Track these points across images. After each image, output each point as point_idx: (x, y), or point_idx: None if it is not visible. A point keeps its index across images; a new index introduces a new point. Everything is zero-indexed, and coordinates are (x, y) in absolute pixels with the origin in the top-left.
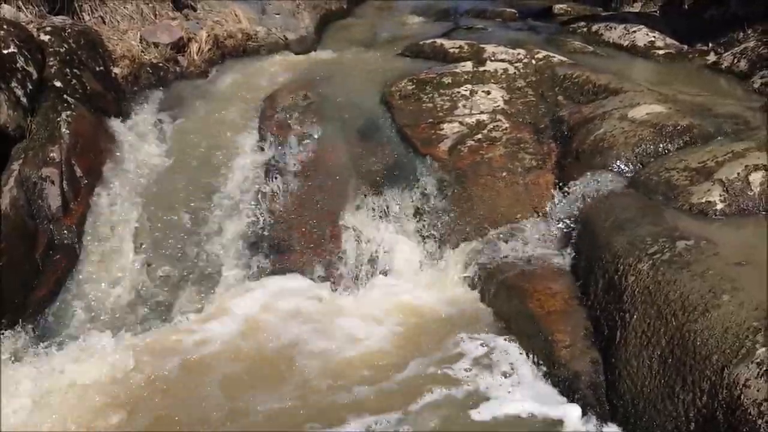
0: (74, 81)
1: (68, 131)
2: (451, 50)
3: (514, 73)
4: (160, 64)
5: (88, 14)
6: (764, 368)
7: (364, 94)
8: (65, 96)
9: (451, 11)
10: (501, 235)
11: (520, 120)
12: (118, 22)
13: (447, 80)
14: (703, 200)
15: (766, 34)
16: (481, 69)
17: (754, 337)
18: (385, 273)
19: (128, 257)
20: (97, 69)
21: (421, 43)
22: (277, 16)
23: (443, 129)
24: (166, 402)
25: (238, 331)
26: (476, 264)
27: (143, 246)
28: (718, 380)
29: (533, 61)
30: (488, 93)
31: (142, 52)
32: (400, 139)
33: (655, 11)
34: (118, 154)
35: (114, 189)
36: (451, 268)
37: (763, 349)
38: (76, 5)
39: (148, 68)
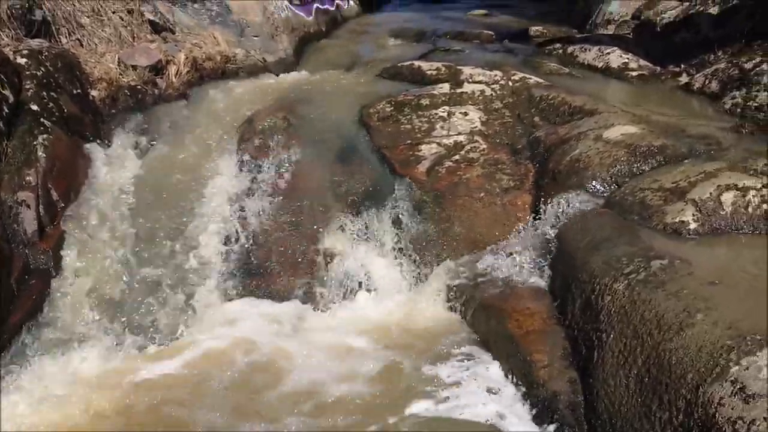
0: (51, 104)
1: (45, 155)
2: (429, 72)
3: (491, 94)
4: (139, 87)
5: (66, 37)
6: (738, 387)
7: (343, 115)
8: (42, 119)
9: (428, 33)
10: (479, 256)
11: (498, 141)
12: (96, 44)
13: (425, 102)
14: (677, 220)
15: (736, 56)
16: (459, 91)
17: (728, 355)
18: (364, 294)
19: (104, 281)
20: (75, 92)
21: (399, 65)
22: (255, 38)
23: (421, 150)
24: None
25: (210, 359)
26: (455, 284)
27: (119, 270)
28: (693, 399)
29: (510, 83)
30: (466, 114)
31: (120, 74)
32: (379, 160)
33: (629, 33)
34: (95, 177)
35: (91, 212)
36: (430, 289)
37: (737, 367)
38: (54, 28)
39: (126, 91)
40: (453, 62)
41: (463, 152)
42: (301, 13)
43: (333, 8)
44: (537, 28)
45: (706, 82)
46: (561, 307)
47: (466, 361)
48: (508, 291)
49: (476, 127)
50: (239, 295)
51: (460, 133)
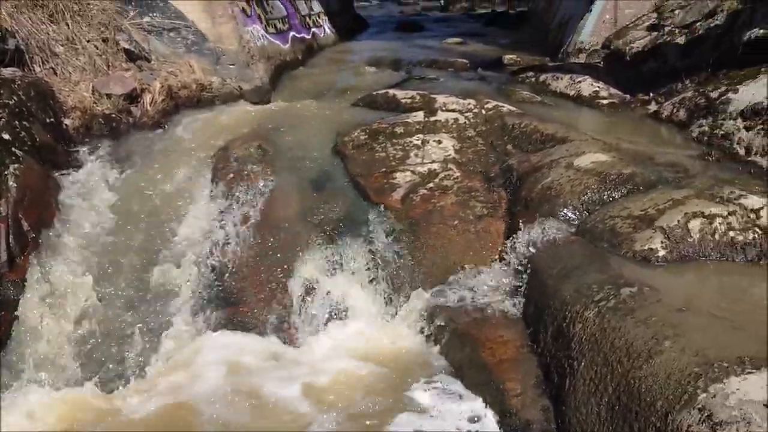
0: (23, 133)
1: (15, 184)
2: (404, 100)
3: (465, 122)
4: (113, 115)
5: (39, 66)
6: (706, 414)
7: (318, 144)
8: (13, 149)
9: (404, 61)
10: (453, 283)
11: (471, 169)
12: (70, 73)
13: (399, 130)
14: (646, 247)
15: (702, 85)
16: (433, 119)
17: (696, 383)
18: (338, 323)
19: (74, 313)
20: (48, 120)
21: (374, 93)
22: (231, 66)
23: (396, 178)
24: None
25: (179, 395)
26: (429, 312)
27: (90, 301)
28: (663, 427)
29: (483, 111)
30: (440, 142)
31: (95, 103)
32: (354, 188)
33: (599, 62)
34: (67, 206)
35: (62, 242)
36: (404, 317)
37: (705, 395)
38: (27, 57)
39: (100, 119)
40: (427, 90)
41: (437, 180)
42: (277, 42)
43: (309, 36)
44: (510, 56)
45: (674, 110)
46: (534, 335)
47: (440, 389)
48: (482, 319)
49: (450, 155)
50: (212, 327)
51: (434, 161)
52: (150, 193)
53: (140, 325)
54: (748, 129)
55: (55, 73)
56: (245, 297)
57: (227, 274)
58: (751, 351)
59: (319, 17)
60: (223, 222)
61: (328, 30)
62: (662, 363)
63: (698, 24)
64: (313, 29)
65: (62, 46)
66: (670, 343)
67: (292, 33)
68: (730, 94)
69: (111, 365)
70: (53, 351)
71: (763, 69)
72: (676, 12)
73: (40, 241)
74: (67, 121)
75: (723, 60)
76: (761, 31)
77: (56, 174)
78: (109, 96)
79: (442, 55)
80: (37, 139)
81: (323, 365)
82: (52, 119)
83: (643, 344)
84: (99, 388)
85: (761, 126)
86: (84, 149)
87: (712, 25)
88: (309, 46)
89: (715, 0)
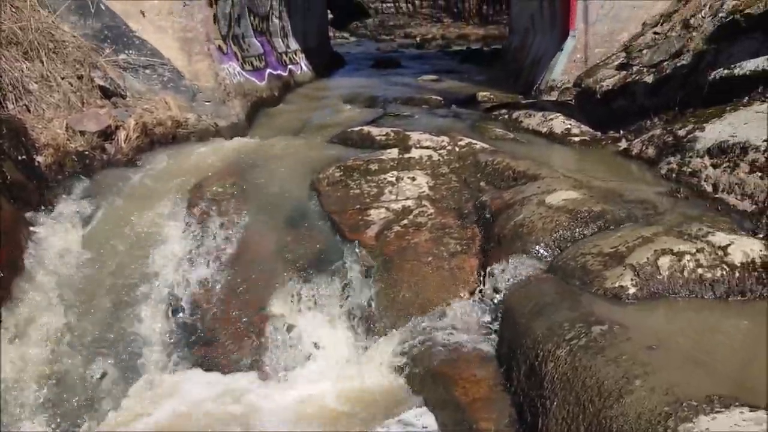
0: None
1: None
2: (378, 137)
3: (439, 159)
4: (86, 153)
5: (12, 103)
6: None
7: (293, 181)
8: None
9: (379, 98)
10: (427, 321)
11: (445, 205)
12: (44, 110)
13: (374, 167)
14: (616, 285)
15: (670, 123)
16: (407, 156)
17: (666, 422)
18: (311, 362)
19: (45, 354)
20: (20, 158)
21: (349, 130)
22: (207, 103)
23: (370, 215)
24: None
25: None
26: (403, 350)
27: (61, 342)
28: None
29: (456, 148)
30: (414, 179)
31: (68, 140)
32: (328, 225)
33: (571, 100)
34: (38, 245)
35: (33, 282)
36: (378, 355)
37: None
38: (0, 94)
39: (74, 156)
40: (402, 127)
41: (411, 217)
42: (254, 79)
43: (286, 74)
44: (484, 93)
45: (643, 147)
46: (507, 374)
47: (413, 428)
48: (455, 357)
49: (424, 191)
50: (184, 367)
51: (408, 198)
52: (122, 231)
53: (110, 366)
54: (714, 167)
55: (29, 111)
56: (217, 336)
57: (199, 313)
58: (720, 389)
59: (296, 54)
60: (196, 260)
61: (305, 67)
62: (633, 402)
63: (665, 63)
64: (289, 66)
65: (36, 83)
66: (640, 382)
67: (268, 70)
68: (697, 133)
69: (79, 407)
70: (21, 393)
71: (728, 108)
72: (644, 52)
73: (11, 280)
74: (39, 159)
75: (690, 99)
76: (725, 71)
77: (27, 212)
78: (83, 133)
79: (418, 92)
80: (9, 177)
81: (295, 403)
82: (24, 157)
83: (613, 383)
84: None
85: (727, 164)
86: (56, 187)
87: (678, 64)
88: (286, 83)
89: (681, 40)
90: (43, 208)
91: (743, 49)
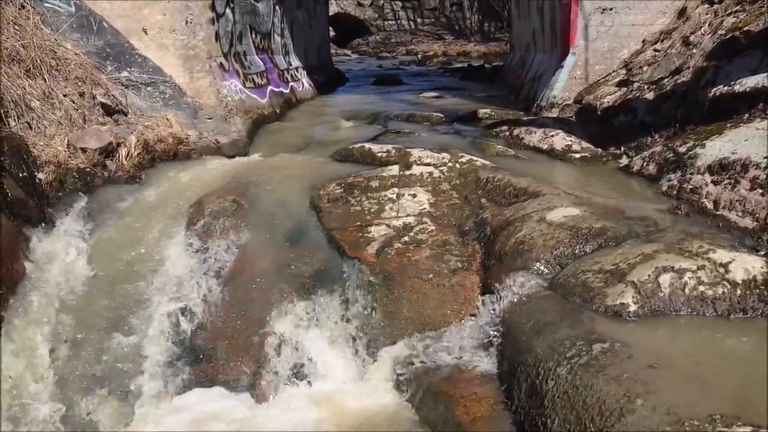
0: None
1: None
2: (379, 154)
3: (440, 176)
4: (88, 170)
5: (14, 120)
6: None
7: (294, 197)
8: None
9: (380, 115)
10: (428, 338)
11: (446, 222)
12: (46, 127)
13: (375, 184)
14: (617, 302)
15: (671, 140)
16: (408, 173)
17: None
18: (312, 380)
19: (43, 373)
20: (21, 175)
21: (350, 147)
22: (208, 120)
23: (371, 232)
24: None
25: None
26: (403, 368)
27: (60, 361)
28: None
29: (457, 165)
30: (414, 196)
31: (69, 157)
32: (329, 242)
33: (571, 117)
34: (38, 263)
35: (32, 300)
36: (378, 373)
37: None
38: (2, 111)
39: (75, 173)
40: (403, 144)
41: (412, 234)
42: (255, 96)
43: (288, 91)
44: (485, 110)
45: (644, 164)
46: (508, 392)
47: None
48: (457, 375)
49: (425, 208)
50: (184, 385)
51: (409, 215)
52: (122, 248)
53: (110, 385)
54: (715, 183)
55: (30, 128)
56: (217, 354)
57: (199, 331)
58: (722, 409)
59: (297, 71)
60: (195, 277)
61: (306, 84)
62: (634, 422)
63: (666, 80)
64: (291, 83)
65: (38, 100)
66: (641, 401)
67: (270, 87)
68: (698, 149)
69: (78, 428)
70: (20, 413)
71: (729, 125)
72: (644, 69)
73: (9, 298)
74: (40, 176)
75: (690, 115)
76: (725, 88)
77: (28, 229)
78: (84, 150)
79: (419, 109)
80: (9, 194)
81: (294, 423)
82: (25, 174)
83: (614, 402)
84: None
85: (728, 181)
86: (57, 204)
87: (678, 81)
88: (287, 100)
89: (681, 57)
90: (43, 225)
91: (743, 66)
